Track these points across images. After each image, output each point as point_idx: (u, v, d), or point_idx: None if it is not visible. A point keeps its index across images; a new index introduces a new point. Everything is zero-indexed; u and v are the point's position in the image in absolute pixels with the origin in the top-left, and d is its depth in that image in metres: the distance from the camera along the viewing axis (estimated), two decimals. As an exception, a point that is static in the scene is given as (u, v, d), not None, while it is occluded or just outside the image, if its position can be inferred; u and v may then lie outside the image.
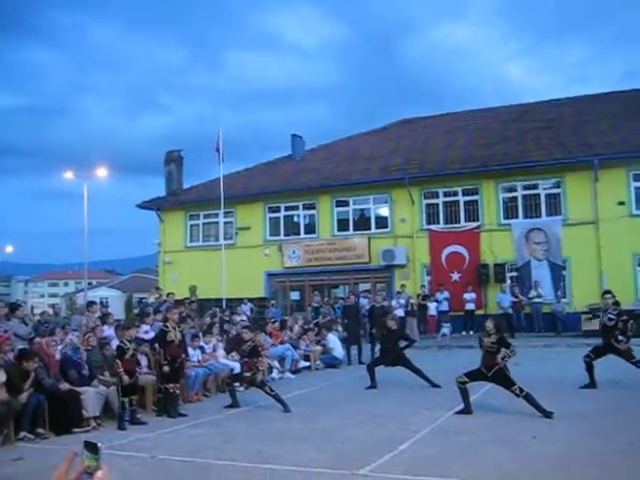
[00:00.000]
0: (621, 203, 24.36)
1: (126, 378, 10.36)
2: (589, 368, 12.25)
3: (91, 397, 10.37)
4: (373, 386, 13.54)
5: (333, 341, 18.81)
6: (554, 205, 25.59)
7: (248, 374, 11.85)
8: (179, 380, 11.69)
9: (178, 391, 11.58)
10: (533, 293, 24.35)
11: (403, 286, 25.40)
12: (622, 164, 24.28)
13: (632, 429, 8.54)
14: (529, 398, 9.75)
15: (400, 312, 23.34)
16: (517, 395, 9.83)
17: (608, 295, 12.73)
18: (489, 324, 10.31)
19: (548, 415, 9.51)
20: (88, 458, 1.53)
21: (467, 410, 10.14)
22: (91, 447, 1.55)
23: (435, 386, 13.05)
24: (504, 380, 10.03)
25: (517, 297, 24.37)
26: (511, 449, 7.77)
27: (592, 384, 12.09)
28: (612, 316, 12.17)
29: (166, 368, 11.28)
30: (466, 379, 10.30)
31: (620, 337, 12.00)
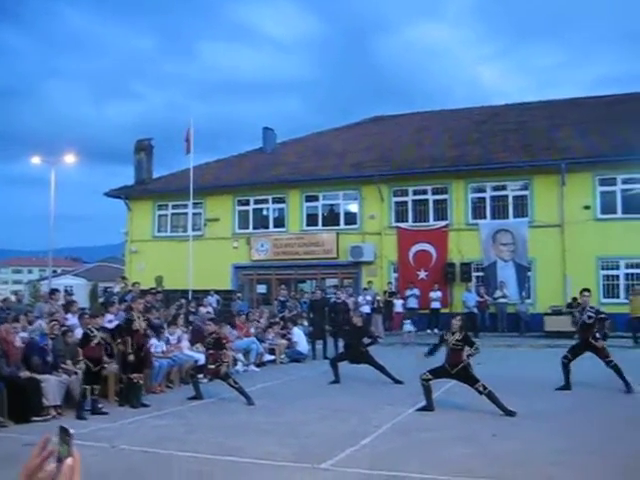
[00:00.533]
0: (587, 207, 24.73)
1: (91, 365, 10.28)
2: (565, 369, 12.30)
3: (52, 385, 10.24)
4: (336, 381, 13.59)
5: (298, 335, 18.83)
6: (521, 207, 25.88)
7: (212, 366, 11.83)
8: (143, 370, 11.63)
9: (142, 381, 11.53)
10: (498, 293, 24.61)
11: (370, 282, 25.55)
12: (589, 169, 24.64)
13: (592, 428, 8.69)
14: (491, 396, 9.88)
15: (366, 308, 23.48)
16: (480, 392, 9.95)
17: (587, 293, 12.80)
18: (456, 322, 10.43)
19: (510, 414, 9.63)
20: (59, 444, 1.52)
21: (429, 407, 10.22)
22: (64, 433, 1.54)
23: (398, 382, 13.15)
24: (468, 377, 10.15)
25: (482, 297, 24.64)
26: (471, 446, 7.85)
27: (567, 385, 12.15)
28: (591, 314, 12.23)
29: (131, 357, 11.21)
30: (430, 376, 10.36)
31: (597, 335, 12.10)
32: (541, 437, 8.30)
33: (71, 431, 1.53)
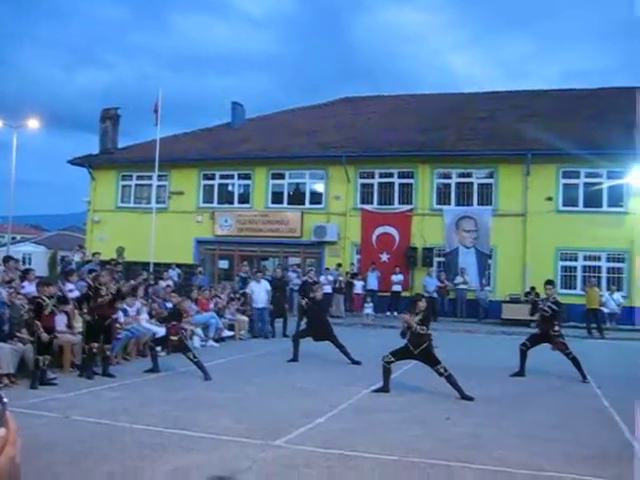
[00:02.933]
0: (549, 198, 25.09)
1: (45, 335, 10.12)
2: (522, 356, 12.47)
3: (6, 353, 10.07)
4: (295, 359, 13.64)
5: (257, 291, 18.85)
6: (486, 195, 26.12)
7: (175, 338, 11.77)
8: (110, 340, 11.55)
9: (108, 352, 11.45)
10: (459, 279, 24.87)
11: (340, 265, 25.64)
12: (553, 161, 24.95)
13: (542, 414, 8.85)
14: (451, 379, 9.99)
15: (328, 288, 23.57)
16: (440, 374, 10.05)
17: (550, 286, 12.96)
18: (422, 303, 10.39)
19: (468, 398, 9.76)
20: None
21: (385, 388, 10.29)
22: None
23: (355, 363, 13.25)
24: (430, 358, 10.22)
25: (443, 282, 24.89)
26: (424, 428, 7.95)
27: (522, 372, 12.33)
28: (553, 306, 12.38)
29: (87, 317, 11.18)
30: (392, 358, 10.39)
31: (557, 327, 12.26)
32: (493, 421, 8.44)
33: (4, 400, 1.45)
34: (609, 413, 9.17)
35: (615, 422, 8.62)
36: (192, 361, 11.47)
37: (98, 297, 11.34)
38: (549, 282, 13.25)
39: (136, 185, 30.63)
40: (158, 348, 12.33)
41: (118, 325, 13.09)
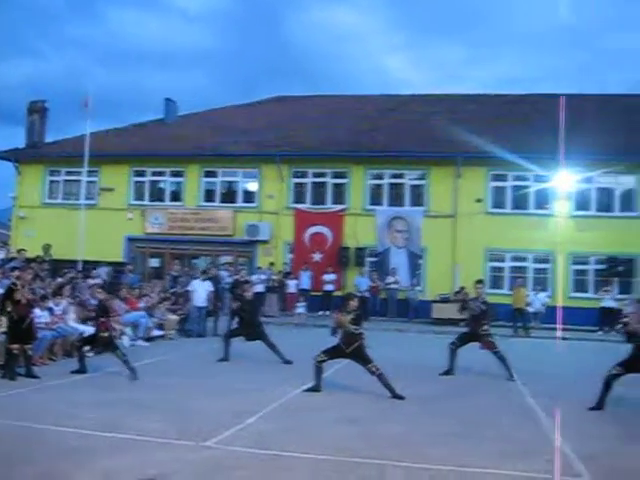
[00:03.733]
0: (479, 200, 25.68)
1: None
2: (452, 355, 12.67)
3: None
4: (226, 359, 13.55)
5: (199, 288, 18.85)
6: (418, 196, 26.53)
7: (105, 335, 11.52)
8: (31, 341, 11.22)
9: (30, 352, 11.12)
10: (390, 279, 25.14)
11: (272, 264, 25.63)
12: (483, 164, 25.51)
13: (470, 412, 9.02)
14: (382, 378, 10.09)
15: (260, 287, 23.52)
16: (372, 373, 10.14)
17: (480, 285, 13.26)
18: (354, 302, 10.53)
19: (398, 397, 9.88)
20: None
21: (317, 388, 10.32)
22: None
23: (287, 362, 13.26)
24: (362, 357, 10.28)
25: (374, 282, 25.12)
26: (354, 428, 7.99)
27: (451, 371, 12.54)
28: (482, 306, 12.62)
29: (6, 316, 10.84)
30: (325, 357, 10.44)
31: (486, 327, 12.53)
32: (422, 420, 8.56)
33: None
34: (533, 409, 9.43)
35: (538, 418, 8.87)
36: (121, 359, 11.29)
37: (15, 297, 11.01)
38: (479, 281, 13.56)
39: (65, 181, 29.87)
40: (86, 348, 12.06)
41: (43, 324, 12.72)
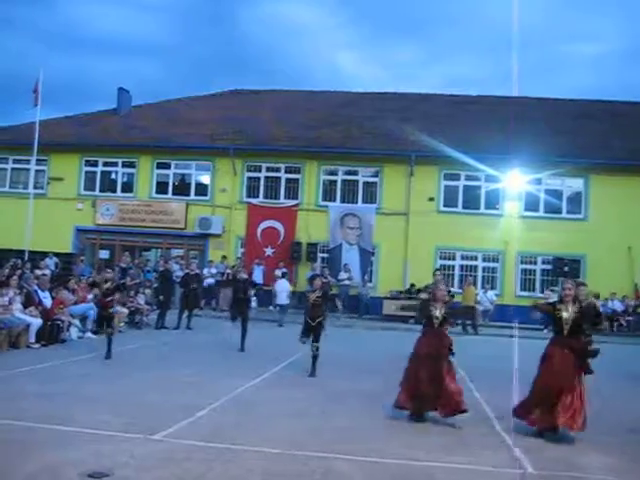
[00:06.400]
0: (431, 199, 25.98)
1: None
2: None
3: None
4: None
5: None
6: (370, 193, 26.70)
7: (111, 310, 13.07)
8: None
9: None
10: (343, 275, 25.23)
11: (225, 257, 25.53)
12: (436, 162, 25.80)
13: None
14: (315, 359, 11.42)
15: (211, 281, 23.44)
16: (313, 351, 11.43)
17: (439, 272, 14.42)
18: (318, 281, 12.19)
19: (312, 376, 11.16)
20: None
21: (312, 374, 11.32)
22: None
23: (241, 350, 14.09)
24: (317, 333, 11.56)
25: (326, 278, 25.14)
26: (305, 422, 8.03)
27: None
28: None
29: None
30: (303, 337, 11.67)
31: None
32: (367, 414, 8.64)
33: None
34: (480, 404, 9.57)
35: (485, 412, 9.02)
36: (108, 337, 12.51)
37: None
38: (437, 270, 14.36)
39: (12, 169, 29.22)
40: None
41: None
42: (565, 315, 7.95)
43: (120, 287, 13.82)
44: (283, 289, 21.15)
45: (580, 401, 7.63)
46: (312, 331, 11.64)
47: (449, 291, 13.52)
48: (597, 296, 20.24)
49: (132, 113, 31.58)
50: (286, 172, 27.30)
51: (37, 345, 13.42)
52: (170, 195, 28.03)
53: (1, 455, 6.06)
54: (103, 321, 13.12)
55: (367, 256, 26.14)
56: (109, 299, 12.99)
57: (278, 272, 25.07)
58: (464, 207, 26.12)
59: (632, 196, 24.89)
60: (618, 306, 24.19)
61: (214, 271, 24.49)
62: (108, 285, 13.12)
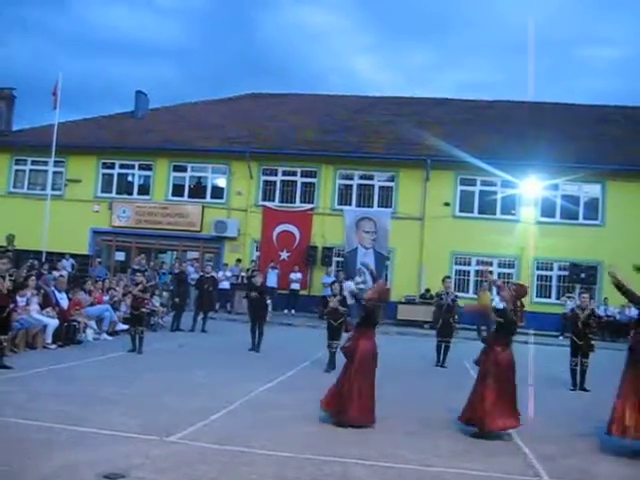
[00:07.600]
0: (447, 204, 25.92)
1: None
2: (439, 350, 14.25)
3: None
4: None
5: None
6: (386, 197, 26.67)
7: (144, 310, 14.36)
8: (7, 332, 10.99)
9: (5, 343, 10.92)
10: (359, 279, 25.17)
11: (240, 261, 25.57)
12: (451, 167, 25.73)
13: (431, 410, 9.11)
14: (333, 356, 12.15)
15: (226, 284, 23.49)
16: (333, 348, 12.16)
17: (449, 279, 15.04)
18: (336, 285, 13.15)
19: (328, 371, 11.63)
20: None
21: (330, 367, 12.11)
22: None
23: (253, 350, 14.65)
24: (338, 331, 12.32)
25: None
26: (317, 426, 8.05)
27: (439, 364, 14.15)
28: (455, 298, 14.45)
29: None
30: (331, 342, 12.41)
31: (456, 317, 14.52)
32: (381, 419, 8.58)
33: None
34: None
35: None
36: (139, 336, 13.63)
37: None
38: (447, 277, 15.35)
39: (31, 170, 29.46)
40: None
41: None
42: None
43: (148, 289, 14.97)
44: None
45: None
46: (334, 331, 12.44)
47: (455, 296, 14.90)
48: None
49: (149, 116, 31.75)
50: (302, 176, 27.32)
51: (53, 346, 13.51)
52: (186, 198, 28.13)
53: (18, 455, 6.11)
54: (135, 320, 14.08)
55: (382, 260, 26.08)
56: (142, 299, 14.23)
57: (293, 276, 25.10)
58: (480, 212, 26.03)
59: (649, 202, 24.69)
60: (635, 313, 23.94)
61: (229, 274, 24.55)
62: (140, 287, 14.22)
